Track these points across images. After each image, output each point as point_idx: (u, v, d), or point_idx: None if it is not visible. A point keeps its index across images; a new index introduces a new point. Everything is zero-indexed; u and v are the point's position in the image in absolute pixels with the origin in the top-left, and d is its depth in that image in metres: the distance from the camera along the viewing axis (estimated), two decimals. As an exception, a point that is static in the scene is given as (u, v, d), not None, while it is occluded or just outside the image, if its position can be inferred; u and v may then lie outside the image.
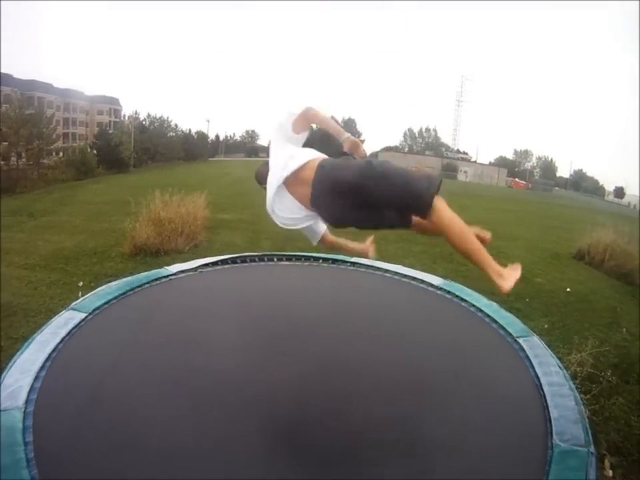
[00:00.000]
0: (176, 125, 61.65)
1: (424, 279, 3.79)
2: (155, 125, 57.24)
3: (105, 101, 67.36)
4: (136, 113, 57.45)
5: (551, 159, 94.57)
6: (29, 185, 28.75)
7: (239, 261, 4.35)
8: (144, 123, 56.53)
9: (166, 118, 59.12)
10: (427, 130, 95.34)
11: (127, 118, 61.21)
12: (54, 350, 2.60)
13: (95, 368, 2.51)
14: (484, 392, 2.39)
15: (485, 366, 2.67)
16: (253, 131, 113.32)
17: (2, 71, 44.68)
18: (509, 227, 13.48)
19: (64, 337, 2.74)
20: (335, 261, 4.47)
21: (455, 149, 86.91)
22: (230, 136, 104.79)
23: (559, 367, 2.48)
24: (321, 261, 4.53)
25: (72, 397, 2.30)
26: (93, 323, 2.98)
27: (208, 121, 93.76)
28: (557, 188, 70.32)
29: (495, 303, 3.34)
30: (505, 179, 69.84)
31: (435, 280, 3.79)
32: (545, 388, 2.24)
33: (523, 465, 1.87)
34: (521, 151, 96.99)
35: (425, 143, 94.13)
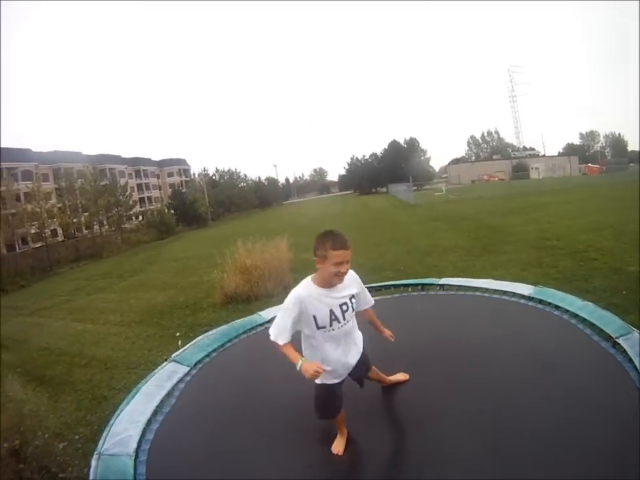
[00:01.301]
0: (245, 175, 64.84)
1: (514, 291, 3.82)
2: (225, 178, 60.35)
3: (173, 162, 72.03)
4: (205, 170, 60.97)
5: (619, 134, 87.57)
6: (115, 249, 30.83)
7: None
8: (214, 177, 59.74)
9: (234, 170, 62.46)
10: (489, 133, 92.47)
11: (196, 176, 64.70)
12: (161, 402, 2.87)
13: (207, 424, 2.67)
14: (582, 409, 2.30)
15: (583, 380, 2.56)
16: (320, 168, 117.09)
17: (70, 150, 50.15)
18: (591, 216, 12.83)
19: (170, 390, 3.00)
20: (424, 286, 4.59)
21: (521, 146, 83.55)
22: (299, 177, 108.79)
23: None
24: (410, 288, 4.66)
25: (184, 451, 2.45)
26: (198, 377, 3.21)
27: (275, 166, 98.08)
28: (632, 164, 65.01)
29: (590, 303, 3.33)
30: (577, 167, 65.94)
31: (525, 289, 3.80)
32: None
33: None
34: (586, 133, 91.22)
35: (490, 147, 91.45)
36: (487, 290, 4.06)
